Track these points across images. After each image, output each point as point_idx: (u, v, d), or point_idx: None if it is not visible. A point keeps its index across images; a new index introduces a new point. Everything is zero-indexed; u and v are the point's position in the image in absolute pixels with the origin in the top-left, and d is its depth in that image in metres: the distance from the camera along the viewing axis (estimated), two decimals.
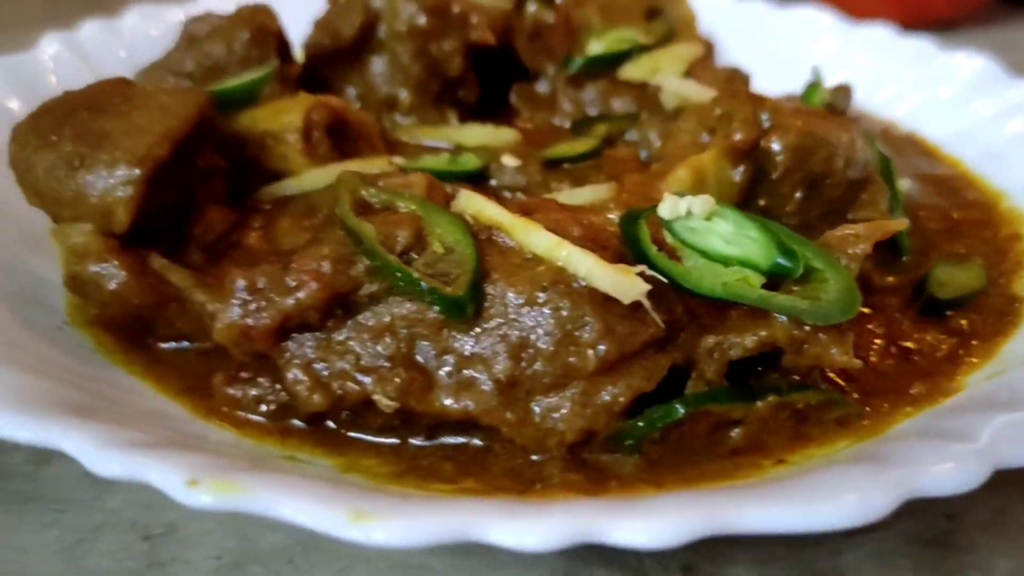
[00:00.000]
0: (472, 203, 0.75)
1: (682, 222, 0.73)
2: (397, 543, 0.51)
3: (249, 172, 0.96)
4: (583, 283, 0.68)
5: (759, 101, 0.90)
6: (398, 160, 0.97)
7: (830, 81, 1.19)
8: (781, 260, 0.69)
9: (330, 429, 0.75)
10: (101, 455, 0.56)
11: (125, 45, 1.25)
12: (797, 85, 1.30)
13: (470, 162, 0.99)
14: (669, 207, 0.73)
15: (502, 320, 0.69)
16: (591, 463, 0.70)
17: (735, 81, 1.14)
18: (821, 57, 1.35)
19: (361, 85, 1.12)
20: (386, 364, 0.70)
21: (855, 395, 0.76)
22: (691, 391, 0.72)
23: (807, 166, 0.87)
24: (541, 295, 0.69)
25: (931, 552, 0.69)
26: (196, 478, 0.54)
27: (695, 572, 0.67)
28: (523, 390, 0.69)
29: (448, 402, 0.69)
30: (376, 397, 0.69)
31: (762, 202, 0.90)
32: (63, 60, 1.17)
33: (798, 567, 0.68)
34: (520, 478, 0.69)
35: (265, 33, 1.05)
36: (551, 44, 1.17)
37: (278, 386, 0.75)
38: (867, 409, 0.75)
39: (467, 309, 0.69)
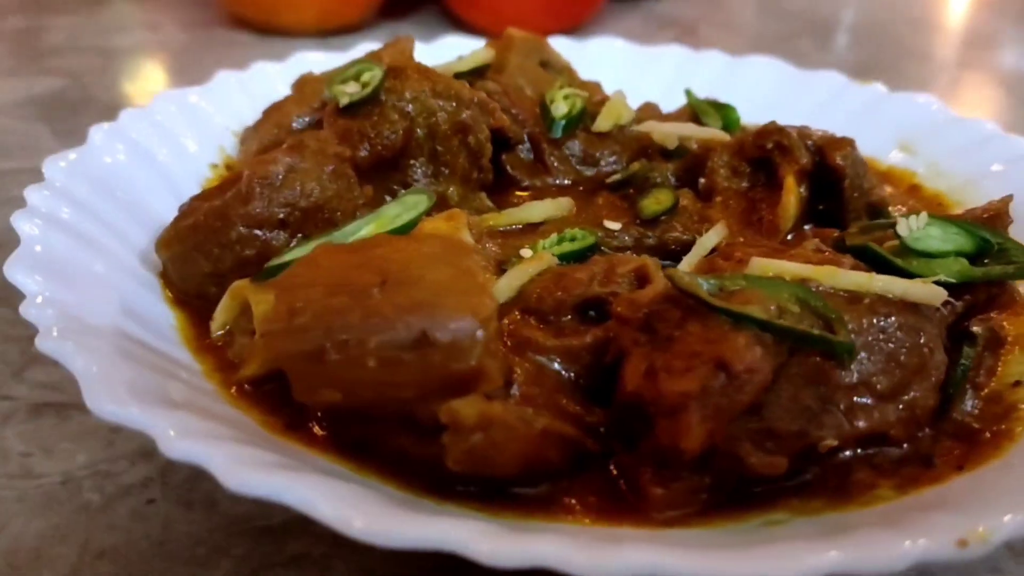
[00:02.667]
0: (769, 267, 0.88)
1: (910, 235, 0.94)
2: None
3: None
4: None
5: (803, 132, 1.14)
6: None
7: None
8: (985, 243, 0.95)
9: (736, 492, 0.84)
10: None
11: None
12: None
13: (587, 236, 1.07)
14: (904, 226, 0.94)
15: (868, 348, 0.85)
16: (935, 434, 0.90)
17: (656, 114, 1.36)
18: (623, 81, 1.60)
19: (403, 188, 1.11)
20: (805, 416, 0.82)
21: None
22: None
23: (857, 171, 1.13)
24: (885, 320, 0.86)
25: None
26: (967, 537, 0.65)
27: None
28: (896, 394, 0.86)
29: (861, 424, 0.84)
30: (825, 442, 0.82)
31: (820, 207, 1.14)
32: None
33: None
34: (917, 463, 0.87)
35: (342, 159, 1.01)
36: (516, 112, 1.26)
37: (704, 473, 0.82)
38: None
39: (854, 350, 0.84)
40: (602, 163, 1.26)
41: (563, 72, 1.41)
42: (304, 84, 1.27)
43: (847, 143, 1.13)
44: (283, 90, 1.38)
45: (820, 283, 0.87)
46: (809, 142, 1.13)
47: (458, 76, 1.26)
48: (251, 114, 1.33)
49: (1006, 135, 1.32)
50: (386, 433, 0.82)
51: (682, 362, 0.81)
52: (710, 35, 2.34)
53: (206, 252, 0.97)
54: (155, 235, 1.07)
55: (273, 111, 1.26)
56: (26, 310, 0.84)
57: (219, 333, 0.95)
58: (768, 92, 1.55)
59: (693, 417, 0.77)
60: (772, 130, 1.14)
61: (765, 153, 1.14)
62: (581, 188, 1.23)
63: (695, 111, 1.40)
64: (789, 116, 1.45)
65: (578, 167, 1.26)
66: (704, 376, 0.78)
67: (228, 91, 1.37)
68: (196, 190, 1.20)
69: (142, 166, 1.18)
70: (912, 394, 0.87)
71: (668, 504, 0.80)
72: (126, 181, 1.14)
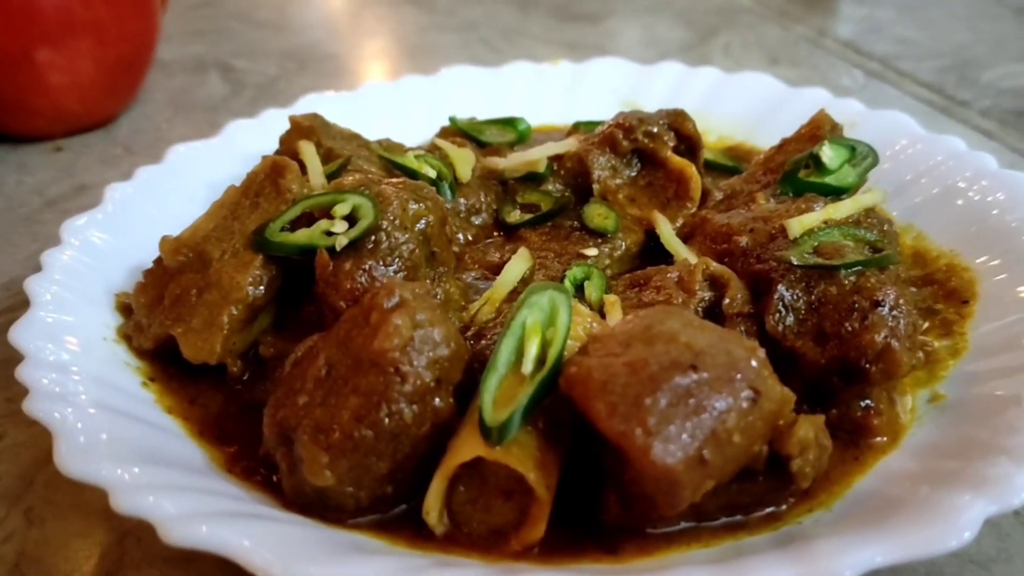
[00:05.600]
0: (802, 223, 1.07)
1: (830, 161, 1.20)
2: None
3: None
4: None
5: (653, 117, 1.32)
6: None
7: None
8: (857, 150, 1.24)
9: None
10: None
11: None
12: None
13: (592, 271, 1.13)
14: (825, 156, 1.19)
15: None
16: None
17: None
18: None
19: None
20: (912, 313, 1.04)
21: None
22: None
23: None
24: (882, 226, 1.11)
25: None
26: None
27: None
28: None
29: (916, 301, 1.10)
30: (925, 325, 1.07)
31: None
32: None
33: None
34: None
35: (429, 294, 0.94)
36: None
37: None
38: None
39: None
40: (483, 209, 1.30)
41: (355, 137, 1.38)
42: (195, 247, 1.07)
43: (685, 114, 1.34)
44: None
45: (833, 220, 1.10)
46: (663, 122, 1.31)
47: (331, 177, 1.19)
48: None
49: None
50: (716, 496, 0.86)
51: (850, 317, 0.98)
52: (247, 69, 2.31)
53: (379, 452, 0.85)
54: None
55: (186, 289, 1.04)
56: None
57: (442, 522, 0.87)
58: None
59: (900, 351, 0.96)
60: (635, 123, 1.31)
61: (638, 144, 1.30)
62: (499, 235, 1.27)
63: (465, 133, 1.48)
64: None
65: (471, 220, 1.28)
66: (881, 319, 0.97)
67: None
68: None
69: None
70: (903, 268, 1.15)
71: (890, 426, 0.99)
72: None
